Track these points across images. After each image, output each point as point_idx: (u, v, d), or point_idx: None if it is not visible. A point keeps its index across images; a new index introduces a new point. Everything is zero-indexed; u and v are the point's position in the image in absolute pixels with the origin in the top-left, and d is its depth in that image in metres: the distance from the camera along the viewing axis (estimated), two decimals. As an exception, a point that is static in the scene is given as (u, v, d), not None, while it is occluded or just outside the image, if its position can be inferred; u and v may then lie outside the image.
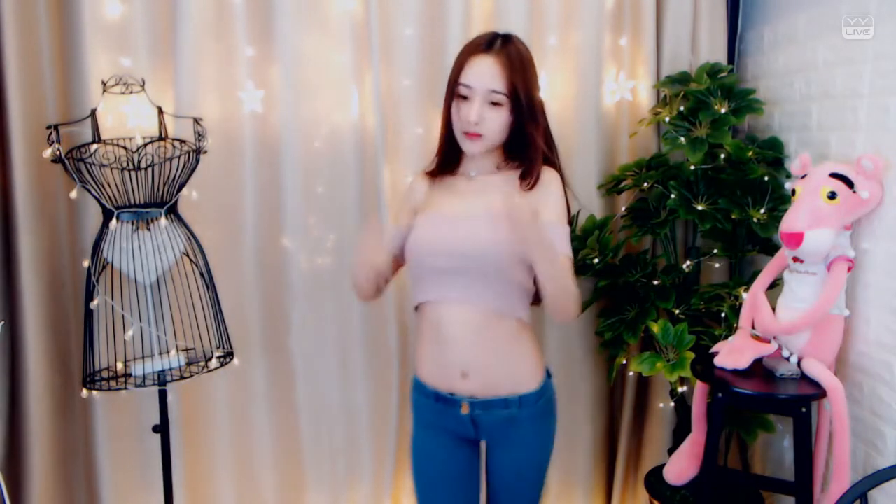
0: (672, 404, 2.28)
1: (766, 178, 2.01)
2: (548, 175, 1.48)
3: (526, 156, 1.48)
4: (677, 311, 2.08)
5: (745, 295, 1.91)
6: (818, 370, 1.66)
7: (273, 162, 2.14)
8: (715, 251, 2.12)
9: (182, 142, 1.83)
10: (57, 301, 2.00)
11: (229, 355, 1.96)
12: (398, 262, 1.56)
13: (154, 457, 2.05)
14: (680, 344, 1.92)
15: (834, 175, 1.65)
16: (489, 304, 1.42)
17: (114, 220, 1.77)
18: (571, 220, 1.59)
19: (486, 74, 1.39)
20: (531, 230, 1.26)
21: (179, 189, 1.85)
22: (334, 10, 2.11)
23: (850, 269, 1.66)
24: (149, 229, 1.82)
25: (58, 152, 1.72)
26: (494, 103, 1.40)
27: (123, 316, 1.86)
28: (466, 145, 1.45)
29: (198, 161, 1.87)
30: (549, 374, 1.58)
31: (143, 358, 1.87)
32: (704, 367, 1.81)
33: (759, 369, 1.78)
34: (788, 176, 2.02)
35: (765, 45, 2.23)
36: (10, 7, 1.80)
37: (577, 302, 1.38)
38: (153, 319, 1.87)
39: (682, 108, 2.10)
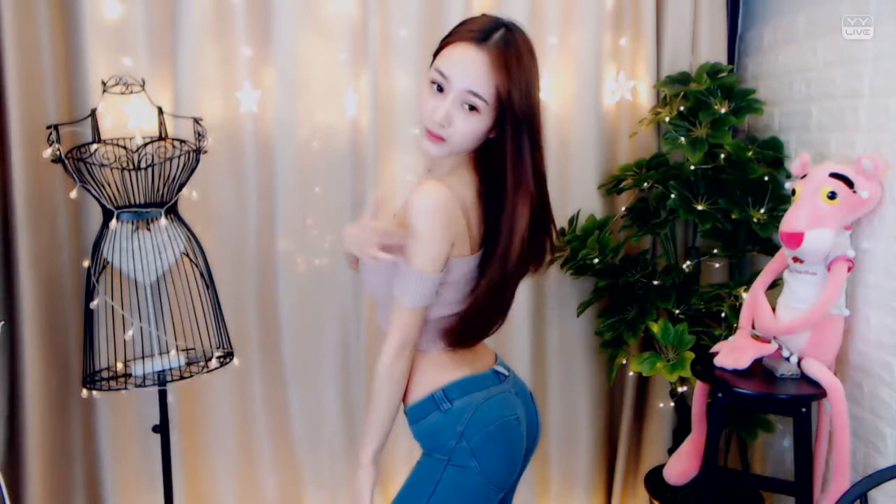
0: (672, 404, 2.28)
1: (766, 178, 2.01)
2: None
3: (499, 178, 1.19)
4: (677, 311, 2.08)
5: (745, 295, 1.91)
6: (818, 370, 1.66)
7: (271, 162, 2.14)
8: (715, 251, 2.12)
9: (182, 142, 1.83)
10: (56, 301, 1.99)
11: (229, 355, 1.96)
12: None
13: (154, 457, 2.05)
14: (680, 344, 1.92)
15: (834, 175, 1.65)
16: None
17: (114, 220, 1.77)
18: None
19: (468, 70, 1.12)
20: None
21: (179, 189, 1.85)
22: (332, 11, 2.11)
23: (850, 269, 1.66)
24: (149, 229, 1.82)
25: (58, 152, 1.72)
26: (471, 108, 1.14)
27: (123, 316, 1.86)
28: (425, 144, 1.18)
29: (198, 161, 1.87)
30: (438, 406, 1.26)
31: (143, 358, 1.87)
32: (704, 367, 1.81)
33: (759, 369, 1.78)
34: (788, 176, 2.02)
35: (765, 45, 2.23)
36: (10, 7, 1.80)
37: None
38: (153, 319, 1.87)
39: (682, 108, 2.10)
